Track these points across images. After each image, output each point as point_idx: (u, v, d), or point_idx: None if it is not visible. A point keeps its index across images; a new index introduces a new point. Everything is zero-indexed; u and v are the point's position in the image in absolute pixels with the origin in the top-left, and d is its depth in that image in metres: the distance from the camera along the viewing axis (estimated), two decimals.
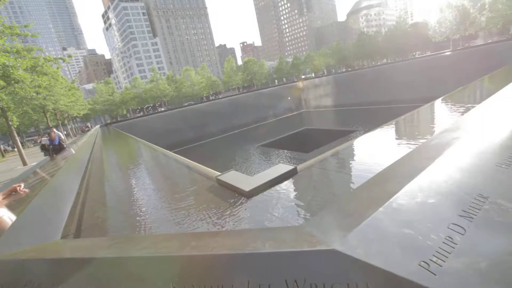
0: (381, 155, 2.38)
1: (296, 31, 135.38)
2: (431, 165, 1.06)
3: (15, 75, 11.19)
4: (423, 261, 0.58)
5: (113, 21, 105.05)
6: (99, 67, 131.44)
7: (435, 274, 0.55)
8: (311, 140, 19.81)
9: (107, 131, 22.15)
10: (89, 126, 48.58)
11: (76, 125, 47.17)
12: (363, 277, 0.57)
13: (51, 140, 10.48)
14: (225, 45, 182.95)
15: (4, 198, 2.62)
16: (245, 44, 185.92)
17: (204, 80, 57.04)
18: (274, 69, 65.50)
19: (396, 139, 2.94)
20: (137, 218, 2.09)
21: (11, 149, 34.47)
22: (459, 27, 40.17)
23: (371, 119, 21.62)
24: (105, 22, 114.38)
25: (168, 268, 0.72)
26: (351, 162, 2.54)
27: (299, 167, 2.45)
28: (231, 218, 1.59)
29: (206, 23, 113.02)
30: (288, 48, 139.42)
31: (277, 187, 2.14)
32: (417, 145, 2.08)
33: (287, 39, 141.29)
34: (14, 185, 2.77)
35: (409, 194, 0.84)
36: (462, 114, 2.78)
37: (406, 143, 2.48)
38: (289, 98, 35.12)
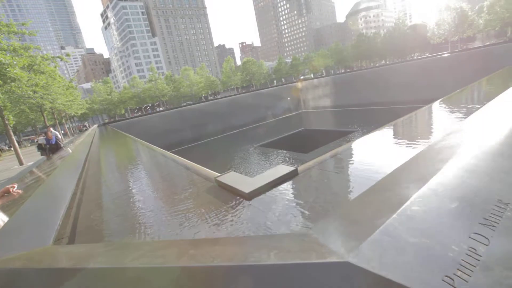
0: (384, 157, 2.33)
1: (295, 32, 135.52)
2: (442, 168, 1.01)
3: (11, 74, 11.06)
4: (447, 276, 0.52)
5: (112, 21, 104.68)
6: (97, 66, 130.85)
7: None
8: (310, 140, 19.78)
9: (105, 131, 22.00)
10: (87, 125, 48.33)
11: (73, 124, 46.86)
12: None
13: (48, 140, 10.38)
14: (224, 45, 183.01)
15: None
16: (244, 44, 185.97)
17: (203, 80, 56.95)
18: (273, 69, 65.53)
19: (398, 141, 2.90)
20: (134, 221, 2.02)
21: (7, 148, 34.19)
22: (457, 29, 40.38)
23: (370, 120, 21.64)
24: (103, 21, 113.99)
25: (165, 280, 0.66)
26: (353, 163, 2.49)
27: (300, 168, 2.40)
28: (231, 221, 1.53)
29: (206, 23, 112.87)
30: (287, 49, 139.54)
31: (278, 189, 2.09)
32: (422, 148, 2.04)
33: (286, 40, 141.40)
34: (7, 186, 2.68)
35: (423, 200, 0.79)
36: (465, 116, 2.74)
37: (409, 145, 2.43)
38: (287, 98, 35.12)
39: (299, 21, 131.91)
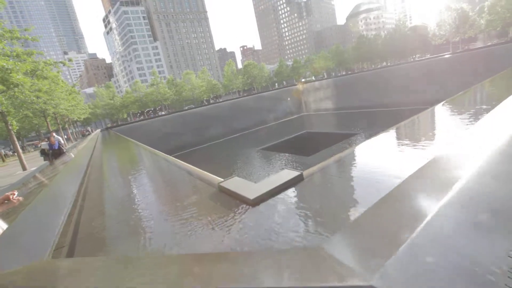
0: (393, 163, 2.25)
1: (296, 34, 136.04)
2: (462, 176, 0.94)
3: (14, 79, 11.13)
4: None
5: (113, 25, 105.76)
6: (99, 71, 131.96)
7: None
8: (312, 143, 19.71)
9: (108, 135, 22.06)
10: (90, 130, 48.57)
11: (76, 129, 47.13)
12: None
13: (51, 145, 10.40)
14: (225, 48, 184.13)
15: None
16: (245, 47, 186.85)
17: (205, 84, 57.18)
18: (274, 72, 65.69)
19: (404, 145, 2.80)
20: (136, 229, 1.96)
21: (11, 153, 34.40)
22: (458, 29, 40.30)
23: (372, 122, 21.55)
24: (105, 26, 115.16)
25: None
26: (360, 169, 2.41)
27: (305, 172, 2.32)
28: (236, 231, 1.47)
29: (206, 27, 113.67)
30: (288, 52, 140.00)
31: (283, 195, 2.02)
32: (432, 152, 1.96)
33: (287, 43, 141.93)
34: (7, 193, 2.65)
35: (448, 212, 0.72)
36: (473, 119, 2.66)
37: (417, 150, 2.35)
38: (289, 101, 35.13)
39: (300, 24, 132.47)
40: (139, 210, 2.51)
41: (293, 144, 20.99)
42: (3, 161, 26.42)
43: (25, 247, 1.64)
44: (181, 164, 4.09)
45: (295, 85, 39.85)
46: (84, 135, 40.52)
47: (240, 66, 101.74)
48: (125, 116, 56.67)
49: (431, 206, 0.76)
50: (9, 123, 13.79)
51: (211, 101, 55.23)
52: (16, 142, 14.69)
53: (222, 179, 2.54)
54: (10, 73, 10.74)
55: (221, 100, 45.71)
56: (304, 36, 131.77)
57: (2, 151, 29.28)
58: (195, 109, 32.65)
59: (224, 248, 1.19)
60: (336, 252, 0.71)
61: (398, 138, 3.05)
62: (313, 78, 60.46)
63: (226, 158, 19.65)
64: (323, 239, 1.09)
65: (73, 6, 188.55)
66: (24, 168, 14.04)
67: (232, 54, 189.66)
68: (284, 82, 63.20)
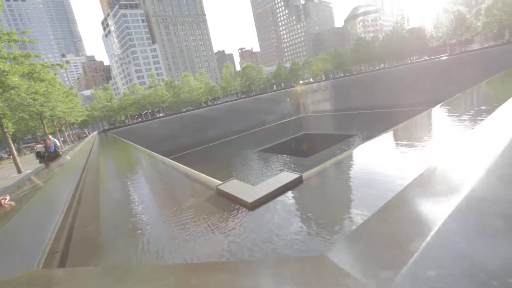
0: (393, 165, 2.21)
1: (294, 36, 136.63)
2: (470, 179, 0.90)
3: (10, 82, 11.03)
4: None
5: (112, 28, 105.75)
6: (97, 74, 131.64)
7: None
8: (310, 144, 19.71)
9: (105, 138, 21.93)
10: (87, 132, 48.30)
11: (73, 131, 46.86)
12: None
13: (47, 147, 10.29)
14: (223, 51, 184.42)
15: None
16: (244, 50, 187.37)
17: (203, 86, 57.18)
18: (273, 74, 65.85)
19: (403, 147, 2.76)
20: (131, 234, 1.90)
21: (7, 156, 34.10)
22: (455, 32, 40.63)
23: (370, 124, 21.61)
24: (104, 29, 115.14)
25: None
26: (360, 171, 2.37)
27: (304, 175, 2.28)
28: (234, 236, 1.42)
29: (205, 29, 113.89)
30: (286, 54, 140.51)
31: (282, 198, 1.97)
32: (433, 155, 1.93)
33: (285, 45, 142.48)
34: None
35: (460, 218, 0.68)
36: (472, 121, 2.63)
37: (416, 151, 2.31)
38: (287, 103, 35.18)
39: (298, 26, 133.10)
40: (136, 215, 2.45)
41: (292, 145, 20.98)
42: None
43: (16, 254, 1.58)
44: (178, 167, 4.03)
45: (293, 87, 39.94)
46: (80, 137, 40.27)
47: (238, 68, 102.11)
48: (123, 118, 56.47)
49: (438, 211, 0.72)
50: (4, 125, 13.65)
51: (209, 103, 55.20)
52: (12, 145, 14.53)
53: (220, 182, 2.49)
54: (7, 75, 10.65)
55: (219, 102, 45.70)
56: (302, 39, 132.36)
57: None
58: (193, 111, 32.61)
59: (223, 254, 1.14)
60: (341, 261, 0.66)
61: (397, 140, 3.01)
62: (311, 80, 60.65)
63: (225, 159, 19.59)
64: (325, 245, 1.04)
65: (72, 9, 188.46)
66: (19, 171, 13.88)
67: (230, 56, 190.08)
68: (282, 84, 63.32)
